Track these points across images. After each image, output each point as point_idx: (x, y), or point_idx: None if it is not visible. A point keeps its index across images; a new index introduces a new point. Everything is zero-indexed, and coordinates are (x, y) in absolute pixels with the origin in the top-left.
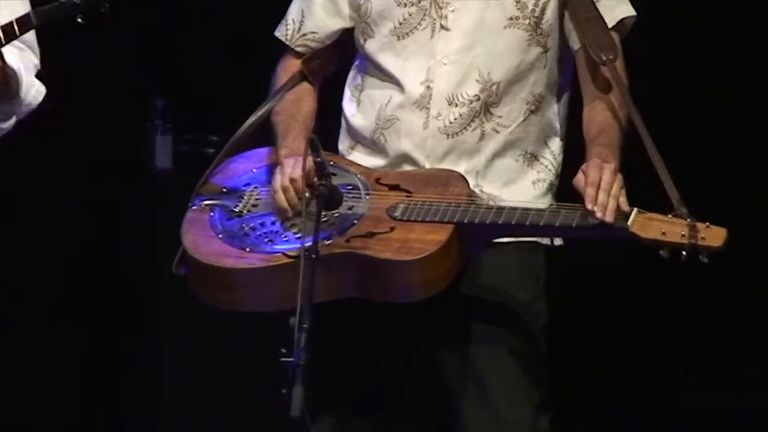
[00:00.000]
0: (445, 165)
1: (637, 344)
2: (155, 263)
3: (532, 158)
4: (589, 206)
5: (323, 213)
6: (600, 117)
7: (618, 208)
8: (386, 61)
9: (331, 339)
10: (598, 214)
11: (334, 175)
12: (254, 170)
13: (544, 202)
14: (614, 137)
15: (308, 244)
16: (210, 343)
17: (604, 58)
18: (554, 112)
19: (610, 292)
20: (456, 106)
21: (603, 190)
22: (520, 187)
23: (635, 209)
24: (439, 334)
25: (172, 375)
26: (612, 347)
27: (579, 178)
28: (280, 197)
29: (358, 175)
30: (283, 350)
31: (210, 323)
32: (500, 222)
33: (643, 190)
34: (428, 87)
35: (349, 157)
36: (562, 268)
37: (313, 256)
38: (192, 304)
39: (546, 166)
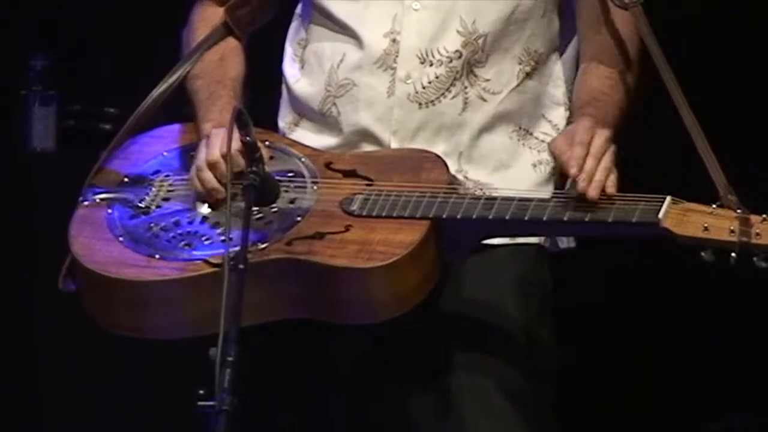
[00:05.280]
0: (418, 144)
1: (685, 388)
2: (33, 276)
3: (530, 135)
4: (572, 170)
5: (254, 210)
6: (594, 82)
7: (603, 191)
8: (338, 6)
9: (262, 374)
10: (581, 184)
11: (271, 158)
12: (165, 153)
13: (548, 191)
14: (607, 111)
15: (234, 249)
16: (104, 381)
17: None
18: (556, 75)
19: (644, 312)
20: (431, 65)
21: (592, 156)
22: (516, 171)
23: (668, 198)
24: (410, 367)
25: (54, 423)
26: (650, 393)
27: (560, 140)
28: (205, 176)
29: (302, 159)
30: (201, 391)
31: (104, 355)
32: (490, 217)
33: (678, 175)
34: (394, 40)
35: (291, 136)
36: (577, 280)
37: (240, 266)
38: (83, 331)
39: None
